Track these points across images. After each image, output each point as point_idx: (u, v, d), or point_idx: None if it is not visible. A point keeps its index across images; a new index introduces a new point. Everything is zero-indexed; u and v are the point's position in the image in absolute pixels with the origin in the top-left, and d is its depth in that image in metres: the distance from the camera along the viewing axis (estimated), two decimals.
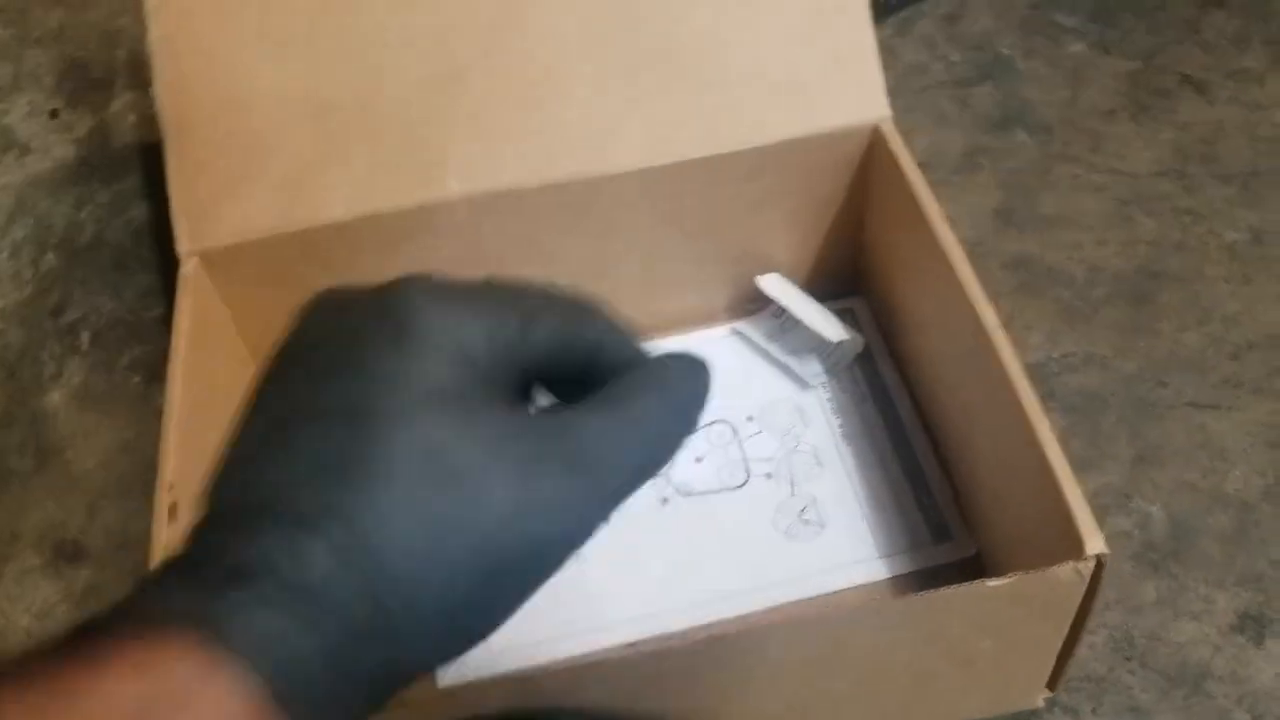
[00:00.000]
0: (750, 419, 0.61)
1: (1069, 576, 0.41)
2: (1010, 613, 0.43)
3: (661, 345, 0.66)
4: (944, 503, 0.57)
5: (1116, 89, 0.74)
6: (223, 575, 0.24)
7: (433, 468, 0.25)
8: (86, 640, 0.22)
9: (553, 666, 0.42)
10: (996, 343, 0.48)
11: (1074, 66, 0.75)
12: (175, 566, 0.25)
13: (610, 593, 0.55)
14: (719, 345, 0.64)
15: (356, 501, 0.25)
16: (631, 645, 0.54)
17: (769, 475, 0.59)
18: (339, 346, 0.29)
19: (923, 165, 0.56)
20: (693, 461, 0.60)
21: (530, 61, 0.57)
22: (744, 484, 0.59)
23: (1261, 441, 0.59)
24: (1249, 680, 0.52)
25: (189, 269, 0.55)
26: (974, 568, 0.55)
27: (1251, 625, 0.53)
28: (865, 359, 0.62)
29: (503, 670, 0.53)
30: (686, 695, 0.44)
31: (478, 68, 0.56)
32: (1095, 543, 0.41)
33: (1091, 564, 0.41)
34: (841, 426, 0.60)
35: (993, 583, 0.41)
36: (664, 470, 0.58)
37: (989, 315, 0.49)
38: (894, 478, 0.58)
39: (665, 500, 0.58)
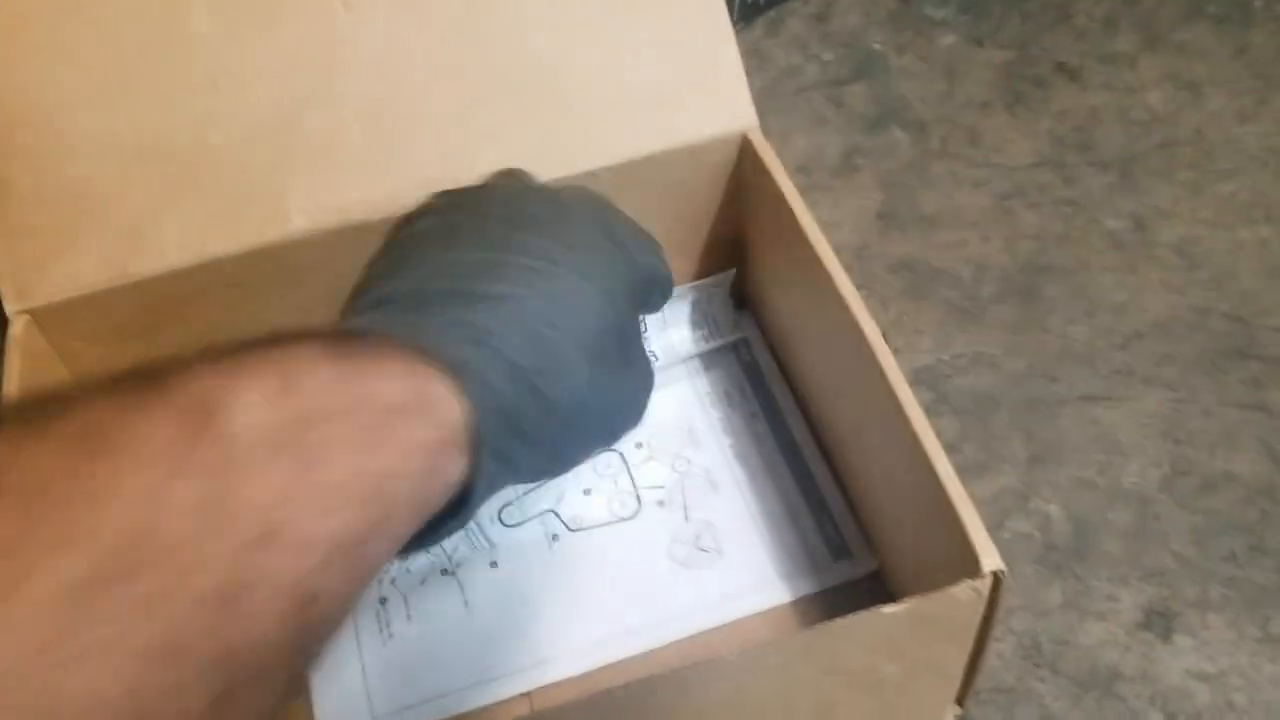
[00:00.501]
0: (639, 445, 0.59)
1: (967, 596, 0.39)
2: (911, 636, 0.41)
3: None
4: (841, 520, 0.55)
5: (991, 80, 0.73)
6: (436, 324, 0.33)
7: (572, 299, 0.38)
8: (359, 341, 0.30)
9: None
10: (878, 353, 0.46)
11: (947, 60, 0.74)
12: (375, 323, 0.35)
13: (501, 641, 0.52)
14: None
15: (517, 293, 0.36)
16: (526, 695, 0.51)
17: (661, 503, 0.56)
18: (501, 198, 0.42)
19: (802, 169, 0.54)
20: (581, 494, 0.57)
21: (370, 96, 0.54)
22: (636, 514, 0.56)
23: (1155, 432, 0.58)
24: (1159, 679, 0.50)
25: (18, 328, 0.51)
26: (876, 584, 0.53)
27: (1158, 621, 0.52)
28: (755, 376, 0.60)
29: None
30: None
31: (316, 104, 0.53)
32: (991, 559, 0.39)
33: (989, 581, 0.39)
34: (733, 446, 0.58)
35: (889, 609, 0.39)
36: (554, 507, 0.55)
37: (869, 325, 0.47)
38: (790, 497, 0.56)
39: (555, 537, 0.56)
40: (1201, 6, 0.75)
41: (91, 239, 0.52)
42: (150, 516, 0.22)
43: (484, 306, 0.35)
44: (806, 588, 0.53)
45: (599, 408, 0.39)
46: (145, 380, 0.24)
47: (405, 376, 0.30)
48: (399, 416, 0.28)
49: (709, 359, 0.61)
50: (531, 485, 0.57)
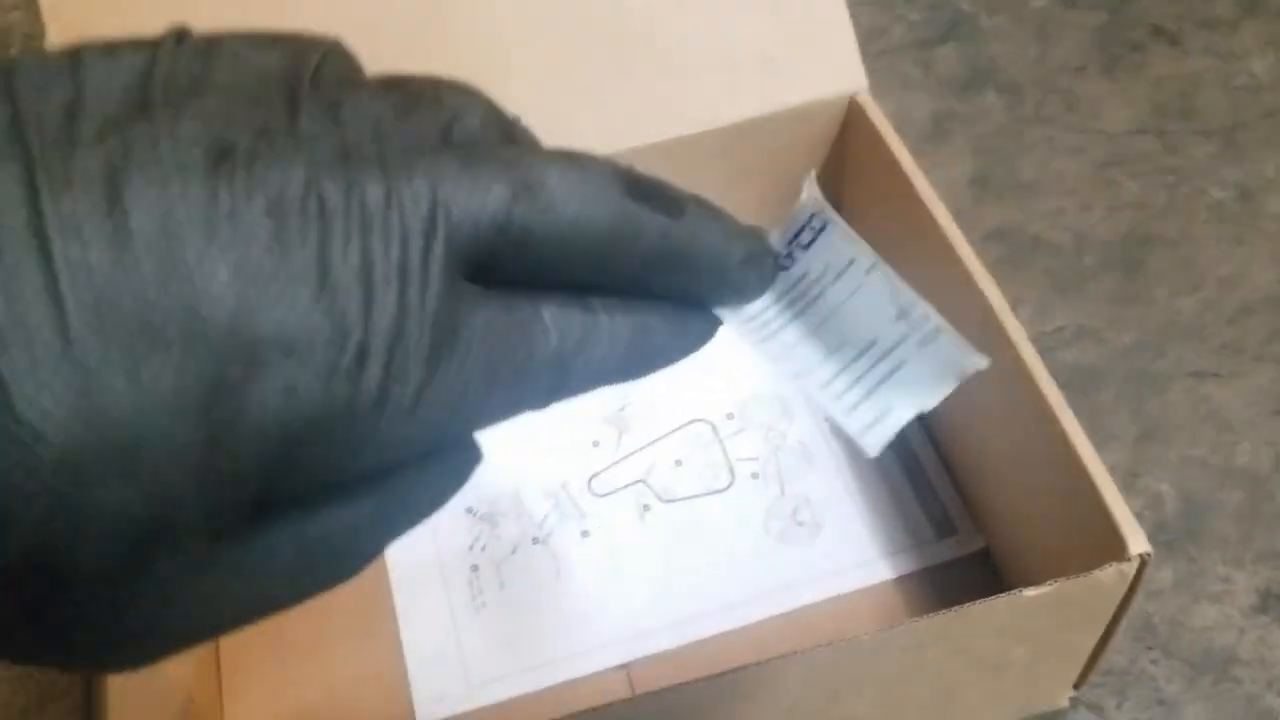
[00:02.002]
0: (730, 416, 0.57)
1: (1112, 579, 0.38)
2: (1047, 619, 0.40)
3: None
4: (946, 495, 0.53)
5: (1085, 43, 0.71)
6: None
7: None
8: None
9: (544, 713, 0.38)
10: (1007, 327, 0.44)
11: (1039, 22, 0.72)
12: None
13: (595, 612, 0.51)
14: None
15: None
16: (624, 667, 0.50)
17: (755, 475, 0.55)
18: None
19: None
20: (672, 465, 0.56)
21: (469, 50, 0.52)
22: (729, 486, 0.55)
23: (1267, 410, 0.56)
24: (1277, 662, 0.49)
25: None
26: (982, 562, 0.51)
27: (1274, 604, 0.51)
28: None
29: (488, 703, 0.49)
30: None
31: (413, 57, 0.51)
32: (1138, 542, 0.38)
33: (1135, 564, 0.38)
34: (828, 418, 0.56)
35: (1032, 592, 0.38)
36: (644, 477, 0.54)
37: (997, 297, 0.45)
38: (890, 471, 0.54)
39: (647, 508, 0.54)
40: None
41: None
42: None
43: None
44: (909, 565, 0.52)
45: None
46: None
47: None
48: None
49: None
50: (621, 455, 0.56)
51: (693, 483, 0.55)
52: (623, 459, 0.56)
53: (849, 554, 0.52)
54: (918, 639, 0.39)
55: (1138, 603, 0.51)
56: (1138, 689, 0.49)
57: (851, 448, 0.55)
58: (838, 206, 0.58)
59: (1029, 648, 0.41)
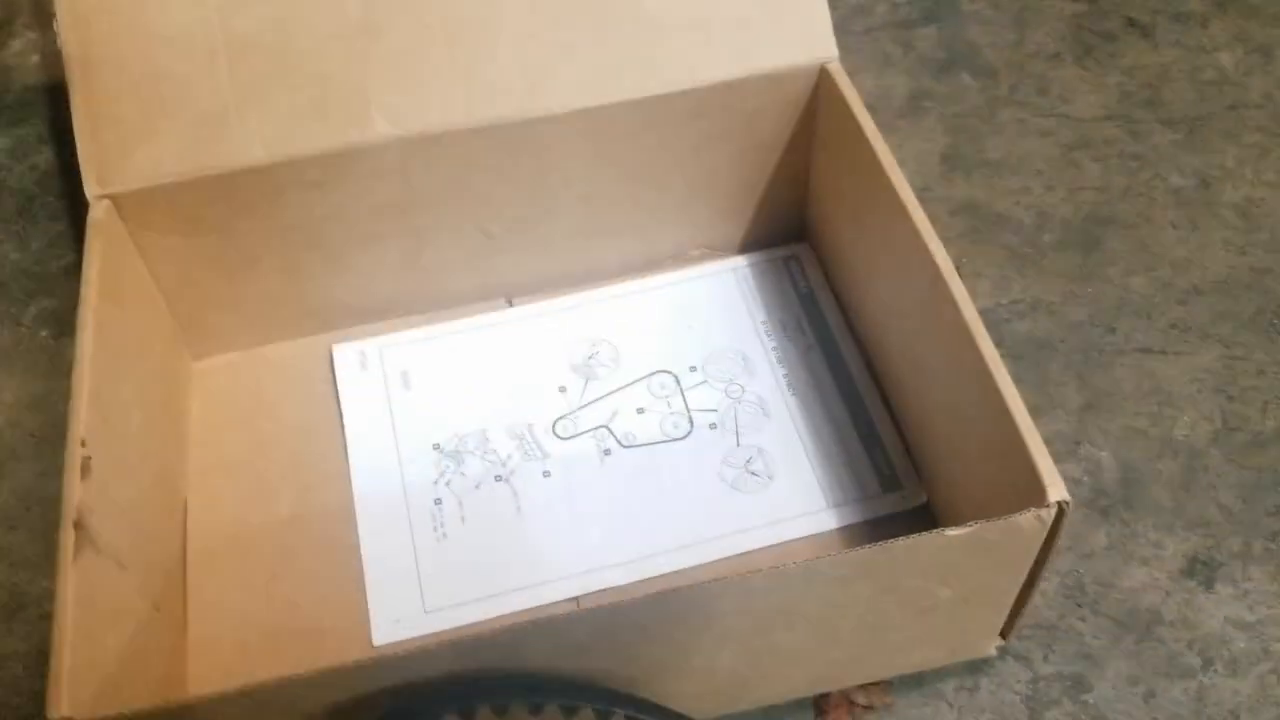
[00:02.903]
0: (693, 369, 0.59)
1: (1030, 524, 0.40)
2: (970, 561, 0.42)
3: (608, 293, 0.63)
4: (894, 452, 0.55)
5: (1061, 32, 0.73)
6: None
7: None
8: None
9: (495, 625, 0.40)
10: (952, 288, 0.46)
11: (1019, 8, 0.74)
12: None
13: (551, 548, 0.54)
14: (660, 291, 0.62)
15: None
16: (574, 599, 0.52)
17: (713, 426, 0.57)
18: None
19: (868, 108, 0.54)
20: (634, 413, 0.58)
21: (454, 9, 0.54)
22: (688, 434, 0.57)
23: (1209, 387, 0.58)
24: (1199, 624, 0.51)
25: (99, 213, 0.51)
26: (924, 517, 0.53)
27: (1201, 569, 0.53)
28: (810, 306, 0.61)
29: (443, 628, 0.51)
30: (635, 651, 0.42)
31: (401, 13, 0.53)
32: (1057, 489, 0.40)
33: (1054, 511, 0.40)
34: (786, 376, 0.59)
35: (953, 531, 0.40)
36: (606, 423, 0.56)
37: (944, 260, 0.47)
38: (842, 428, 0.57)
39: (607, 452, 0.56)
40: None
41: (172, 129, 0.52)
42: None
43: None
44: (854, 516, 0.54)
45: None
46: None
47: None
48: None
49: (760, 277, 0.62)
50: (585, 401, 0.58)
51: (653, 430, 0.57)
52: (587, 405, 0.58)
53: (798, 504, 0.54)
54: (845, 572, 0.41)
55: (1069, 562, 0.53)
56: (1065, 643, 0.51)
57: (807, 404, 0.57)
58: (807, 173, 0.60)
59: (954, 590, 0.43)
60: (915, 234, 0.49)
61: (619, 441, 0.57)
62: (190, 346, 0.60)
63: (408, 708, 0.40)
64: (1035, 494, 0.40)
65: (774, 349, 0.60)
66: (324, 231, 0.56)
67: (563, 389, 0.59)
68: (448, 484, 0.56)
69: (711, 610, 0.41)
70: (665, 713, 0.42)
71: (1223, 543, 0.53)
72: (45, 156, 0.70)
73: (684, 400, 0.58)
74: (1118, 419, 0.57)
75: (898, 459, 0.55)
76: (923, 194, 0.64)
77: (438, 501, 0.55)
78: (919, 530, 0.52)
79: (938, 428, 0.52)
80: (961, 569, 0.42)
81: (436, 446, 0.57)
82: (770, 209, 0.62)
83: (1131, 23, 0.73)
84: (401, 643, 0.51)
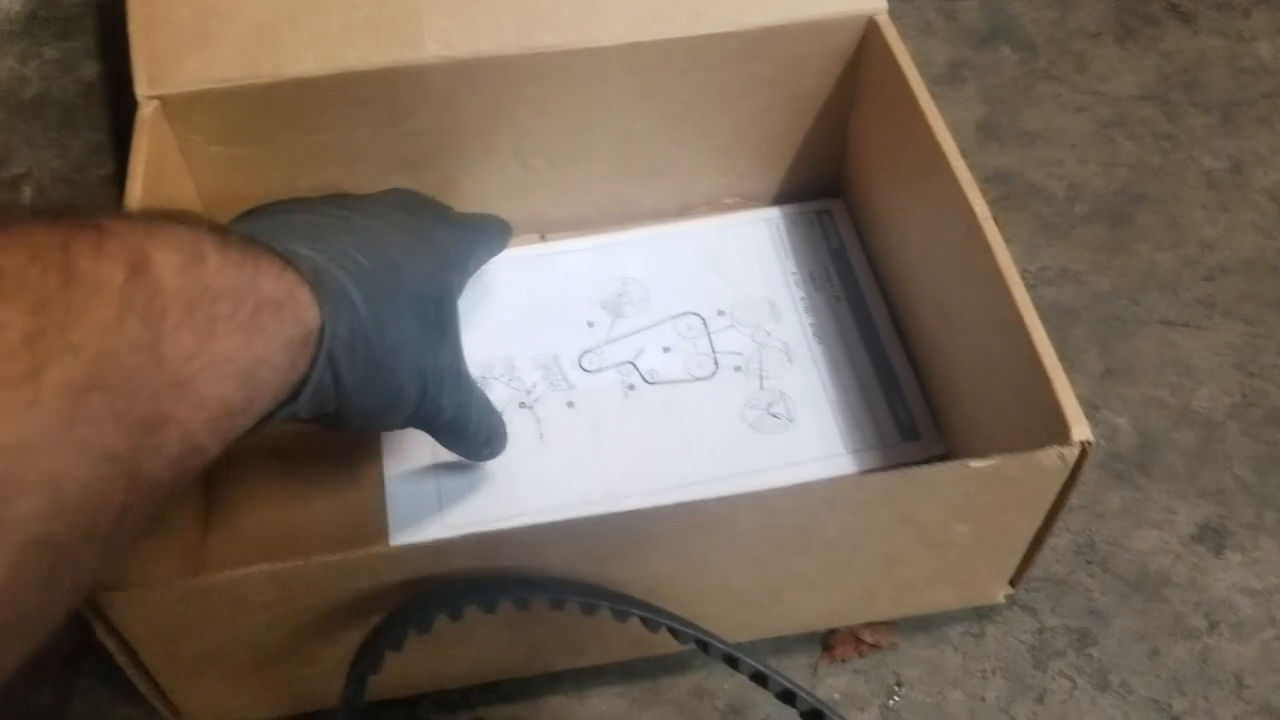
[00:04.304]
0: (721, 313, 0.60)
1: (1053, 462, 0.40)
2: (989, 497, 0.42)
3: (641, 235, 0.62)
4: (914, 403, 0.56)
5: (1103, 12, 0.73)
6: (300, 246, 0.37)
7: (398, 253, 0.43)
8: (240, 238, 0.32)
9: (516, 526, 0.40)
10: (988, 233, 0.47)
11: None
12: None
13: (571, 476, 0.54)
14: (693, 237, 0.63)
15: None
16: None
17: (738, 368, 0.58)
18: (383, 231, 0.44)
19: None
20: (660, 351, 0.58)
21: None
22: (712, 375, 0.58)
23: (1229, 363, 0.59)
24: (1207, 588, 0.52)
25: (147, 112, 0.52)
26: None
27: (1212, 536, 0.53)
28: (841, 260, 0.61)
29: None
30: (653, 564, 0.43)
31: None
32: (1081, 429, 0.40)
33: (1076, 450, 0.40)
34: (813, 325, 0.59)
35: (975, 463, 0.40)
36: (632, 359, 0.55)
37: (981, 207, 0.48)
38: (864, 377, 0.57)
39: (631, 387, 0.57)
40: None
41: (228, 35, 0.53)
42: (112, 343, 0.26)
43: (337, 241, 0.40)
44: (872, 462, 0.54)
45: (412, 360, 0.42)
46: (79, 222, 0.26)
47: (279, 277, 0.33)
48: (274, 310, 0.32)
49: (793, 230, 0.63)
50: (613, 337, 0.59)
51: (677, 369, 0.58)
52: (614, 341, 0.59)
53: (817, 447, 0.55)
54: (866, 496, 0.42)
55: (1080, 520, 0.54)
56: (1072, 598, 0.52)
57: (832, 352, 0.58)
58: (846, 125, 0.60)
59: (971, 526, 0.44)
60: (954, 181, 0.49)
61: (644, 378, 0.58)
62: None
63: (425, 596, 0.40)
64: (1060, 433, 0.41)
65: (802, 299, 0.60)
66: (364, 151, 0.57)
67: (591, 324, 0.59)
68: None
69: (733, 525, 0.42)
70: (682, 621, 0.42)
71: (1235, 512, 0.54)
72: (91, 70, 0.71)
73: (710, 342, 0.59)
74: (1137, 387, 0.58)
75: (917, 409, 0.56)
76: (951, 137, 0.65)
77: None
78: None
79: (963, 376, 0.52)
80: (980, 504, 0.43)
81: None
82: (808, 159, 0.63)
83: (1173, 8, 0.74)
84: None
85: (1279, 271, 0.62)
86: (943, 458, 0.54)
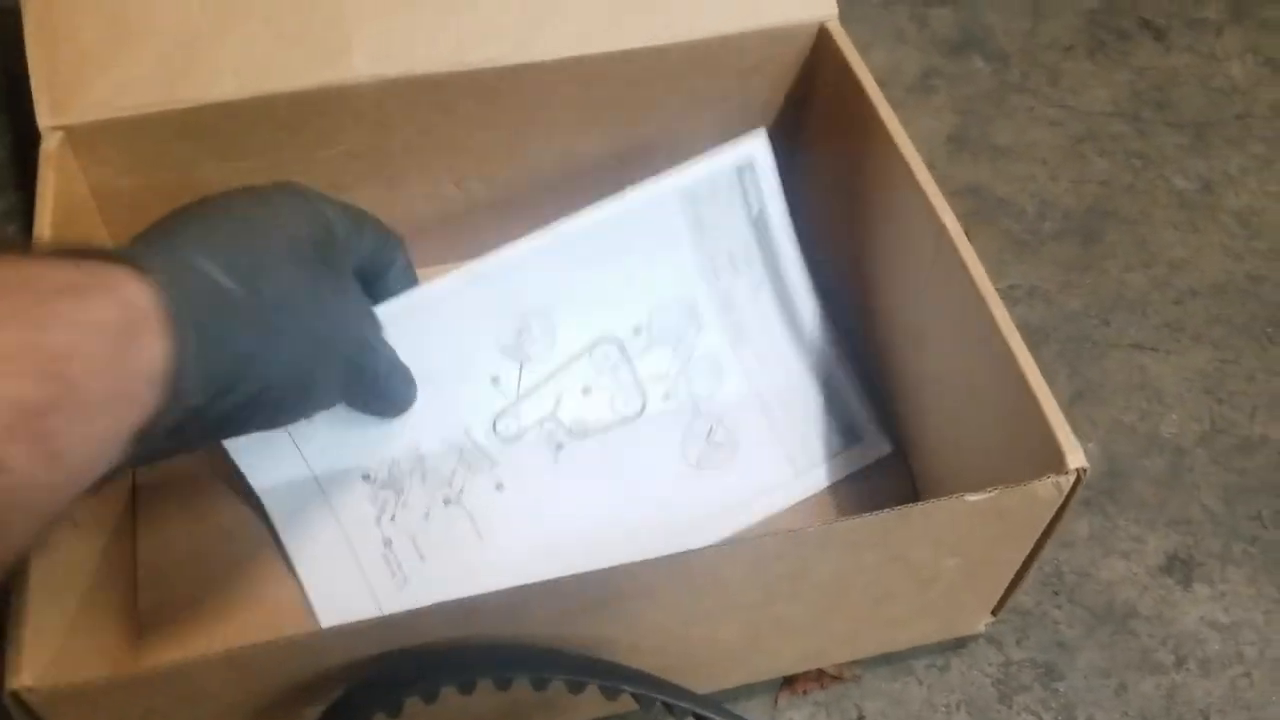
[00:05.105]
0: (638, 331, 0.53)
1: (1048, 491, 0.39)
2: (982, 529, 0.40)
3: (531, 247, 0.53)
4: (851, 401, 0.53)
5: (1077, 25, 0.72)
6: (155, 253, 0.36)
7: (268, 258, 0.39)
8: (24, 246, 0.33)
9: (492, 592, 0.37)
10: (963, 253, 0.45)
11: None
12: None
13: (521, 567, 0.41)
14: (593, 235, 0.51)
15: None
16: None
17: (667, 396, 0.53)
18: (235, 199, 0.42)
19: (878, 82, 0.52)
20: (580, 394, 0.52)
21: None
22: (642, 410, 0.53)
23: (1198, 388, 0.58)
24: (1174, 621, 0.51)
25: (51, 145, 0.47)
26: (896, 468, 0.53)
27: (1180, 567, 0.52)
28: (761, 229, 0.54)
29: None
30: (639, 618, 0.40)
31: None
32: (1076, 456, 0.39)
33: (1072, 478, 0.39)
34: (736, 323, 0.54)
35: (972, 497, 0.38)
36: (552, 412, 0.52)
37: (951, 220, 0.46)
38: (795, 377, 0.54)
39: (559, 447, 0.51)
40: None
41: (137, 58, 0.48)
42: None
43: (182, 220, 0.38)
44: (825, 479, 0.52)
45: (310, 306, 0.39)
46: None
47: (73, 265, 0.30)
48: (67, 297, 0.29)
49: (710, 199, 0.52)
50: (524, 390, 0.52)
51: (603, 411, 0.52)
52: (527, 395, 0.52)
53: (767, 475, 0.52)
54: (859, 537, 0.39)
55: (1049, 550, 0.52)
56: (1039, 630, 0.50)
57: (760, 354, 0.54)
58: (799, 133, 0.58)
59: (961, 559, 0.42)
60: (920, 192, 0.47)
61: (569, 431, 0.52)
62: None
63: (393, 674, 0.37)
64: (1053, 461, 0.39)
65: (722, 291, 0.54)
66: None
67: (495, 379, 0.51)
68: (393, 519, 0.49)
69: (721, 575, 0.39)
70: (649, 680, 0.40)
71: (1203, 543, 0.53)
72: None
73: (632, 370, 0.53)
74: (1107, 411, 0.57)
75: (856, 408, 0.53)
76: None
77: (387, 543, 0.49)
78: (895, 485, 0.52)
79: (938, 399, 0.50)
80: (973, 537, 0.41)
81: (367, 477, 0.49)
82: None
83: (1146, 24, 0.73)
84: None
85: (1247, 295, 0.61)
86: (895, 458, 0.52)
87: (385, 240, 0.46)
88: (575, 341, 0.52)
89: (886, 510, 0.38)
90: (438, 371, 0.49)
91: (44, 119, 0.48)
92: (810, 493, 0.52)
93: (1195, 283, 0.61)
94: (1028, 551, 0.43)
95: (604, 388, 0.52)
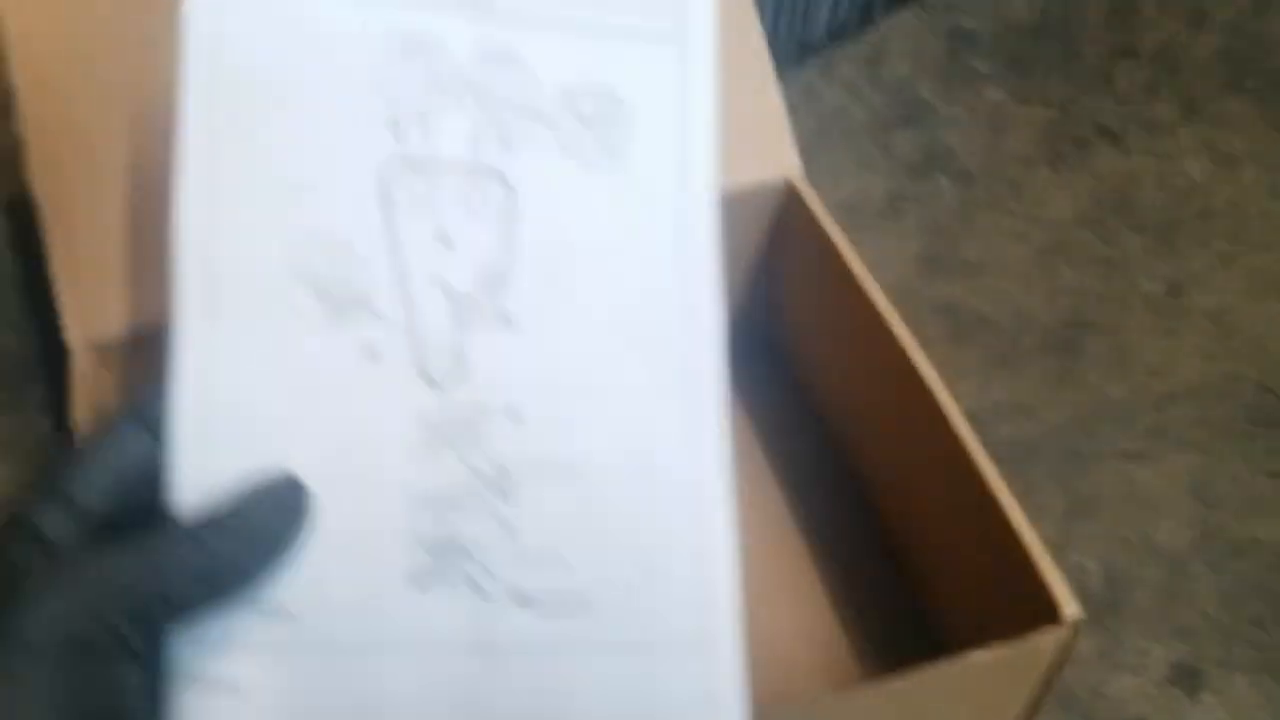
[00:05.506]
0: None
1: (1048, 643, 0.40)
2: (987, 681, 0.42)
3: None
4: None
5: (1034, 137, 0.75)
6: None
7: None
8: None
9: None
10: (942, 403, 0.47)
11: (992, 113, 0.76)
12: None
13: None
14: None
15: None
16: None
17: None
18: None
19: (848, 209, 0.54)
20: None
21: None
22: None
23: (1187, 493, 0.59)
24: None
25: (82, 362, 0.48)
26: (912, 619, 0.54)
27: (1185, 677, 0.53)
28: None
29: None
30: None
31: None
32: (1071, 607, 0.40)
33: (1070, 630, 0.40)
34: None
35: (978, 656, 0.40)
36: None
37: (931, 374, 0.47)
38: None
39: None
40: (1240, 81, 0.78)
41: (161, 267, 0.50)
42: None
43: None
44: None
45: None
46: None
47: None
48: None
49: None
50: None
51: None
52: None
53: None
54: (874, 701, 0.41)
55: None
56: None
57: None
58: (775, 292, 0.59)
59: (970, 706, 0.43)
60: (898, 347, 0.48)
61: None
62: None
63: None
64: (1048, 610, 0.40)
65: None
66: None
67: None
68: None
69: None
70: None
71: (1206, 651, 0.54)
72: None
73: None
74: (1101, 524, 0.58)
75: None
76: (903, 294, 0.64)
77: None
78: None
79: (928, 537, 0.52)
80: (979, 689, 0.42)
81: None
82: (741, 331, 0.61)
83: (1102, 130, 0.75)
84: None
85: (1225, 396, 0.63)
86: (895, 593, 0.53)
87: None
88: None
89: (901, 676, 0.39)
90: None
91: (73, 336, 0.49)
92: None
93: (1174, 387, 0.63)
94: (1033, 694, 0.44)
95: None
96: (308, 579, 0.33)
